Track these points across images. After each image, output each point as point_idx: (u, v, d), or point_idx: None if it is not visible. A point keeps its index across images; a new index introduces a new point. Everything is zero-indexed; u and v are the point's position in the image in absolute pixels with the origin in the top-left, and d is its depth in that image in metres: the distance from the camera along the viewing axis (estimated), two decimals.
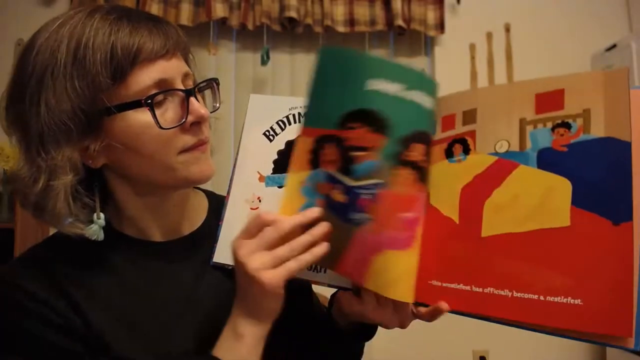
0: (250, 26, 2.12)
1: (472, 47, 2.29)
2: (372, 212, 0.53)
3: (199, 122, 0.59)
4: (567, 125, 0.53)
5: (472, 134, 0.58)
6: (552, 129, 0.54)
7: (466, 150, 0.58)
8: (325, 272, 0.62)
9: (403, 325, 0.60)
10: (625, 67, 0.52)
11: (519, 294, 0.52)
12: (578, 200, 0.51)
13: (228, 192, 0.66)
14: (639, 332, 0.46)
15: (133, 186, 0.62)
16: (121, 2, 2.00)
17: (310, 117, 0.57)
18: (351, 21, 2.17)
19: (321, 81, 0.56)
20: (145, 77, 0.55)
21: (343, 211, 0.54)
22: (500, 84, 0.54)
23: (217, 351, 0.57)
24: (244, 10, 2.10)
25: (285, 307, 0.69)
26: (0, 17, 1.76)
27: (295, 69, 2.24)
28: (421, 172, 0.55)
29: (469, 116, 0.59)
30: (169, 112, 0.57)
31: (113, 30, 0.55)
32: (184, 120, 0.57)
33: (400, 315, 0.60)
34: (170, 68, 0.58)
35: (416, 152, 0.55)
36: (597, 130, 0.51)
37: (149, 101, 0.55)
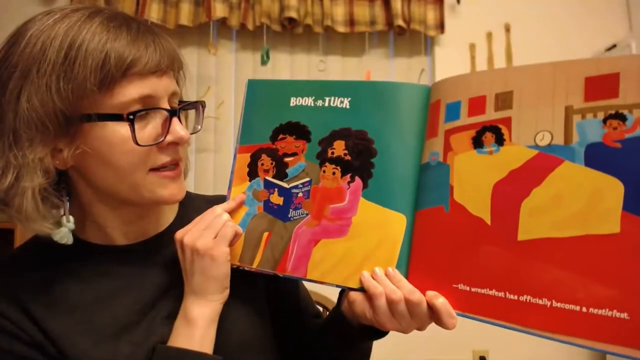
0: (250, 26, 2.11)
1: (472, 47, 2.29)
2: (307, 207, 0.61)
3: (176, 144, 0.59)
4: (622, 117, 0.46)
5: (507, 121, 0.52)
6: (604, 121, 0.47)
7: (499, 141, 0.52)
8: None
9: (421, 329, 0.57)
10: None
11: (558, 304, 0.47)
12: (630, 205, 0.45)
13: (229, 188, 0.66)
14: None
15: (97, 194, 0.61)
16: (121, 2, 2.00)
17: (245, 136, 0.66)
18: (351, 21, 2.16)
19: (252, 106, 0.66)
20: (132, 91, 0.55)
21: (282, 212, 0.62)
22: (542, 62, 0.47)
23: (173, 340, 0.59)
24: (244, 10, 2.10)
25: (274, 305, 0.70)
26: (0, 17, 1.77)
27: (295, 69, 2.24)
28: (346, 165, 0.60)
29: (504, 100, 0.52)
30: (148, 129, 0.57)
31: (110, 38, 0.54)
32: (162, 139, 0.57)
33: (418, 320, 0.56)
34: (159, 86, 0.57)
35: (337, 149, 0.61)
36: None
37: (131, 117, 0.54)
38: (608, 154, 0.46)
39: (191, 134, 0.63)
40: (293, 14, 2.08)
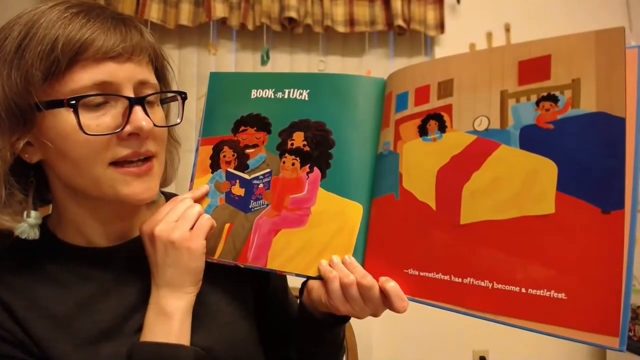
0: (250, 26, 2.12)
1: (472, 47, 2.28)
2: (267, 198, 0.62)
3: (137, 134, 0.55)
4: (554, 99, 0.46)
5: (449, 108, 0.53)
6: (537, 103, 0.47)
7: (442, 128, 0.53)
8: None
9: (376, 315, 0.58)
10: (621, 26, 0.43)
11: (499, 286, 0.48)
12: (564, 185, 0.45)
13: (191, 180, 0.66)
14: (624, 331, 0.42)
15: (67, 190, 0.59)
16: (121, 2, 2.00)
17: (207, 129, 0.66)
18: (351, 21, 2.16)
19: (214, 99, 0.67)
20: (84, 77, 0.52)
21: (244, 203, 0.63)
22: (479, 49, 0.48)
23: (148, 335, 0.56)
24: (244, 10, 2.10)
25: (262, 305, 0.70)
26: (0, 17, 1.77)
27: (295, 69, 2.24)
28: (305, 156, 0.61)
29: (445, 88, 0.53)
30: (105, 118, 0.53)
31: (64, 24, 0.51)
32: (119, 130, 0.53)
33: (371, 305, 0.56)
34: (119, 71, 0.53)
35: (297, 140, 0.62)
36: (588, 104, 0.44)
37: (73, 102, 0.51)
38: (541, 135, 0.47)
39: (168, 126, 0.61)
40: (293, 14, 2.08)
